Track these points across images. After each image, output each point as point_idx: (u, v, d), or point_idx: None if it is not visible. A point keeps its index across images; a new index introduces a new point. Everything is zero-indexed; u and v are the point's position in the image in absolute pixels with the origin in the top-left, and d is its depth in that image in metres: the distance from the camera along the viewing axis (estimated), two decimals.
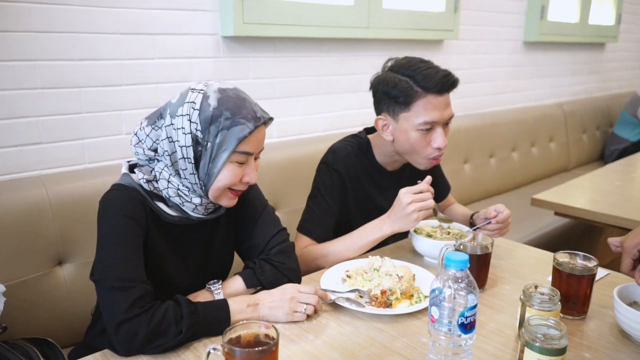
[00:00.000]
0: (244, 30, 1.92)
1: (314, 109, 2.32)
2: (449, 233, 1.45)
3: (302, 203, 1.53)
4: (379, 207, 1.48)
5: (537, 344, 0.88)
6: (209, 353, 0.83)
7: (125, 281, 0.98)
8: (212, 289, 1.14)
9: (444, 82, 1.31)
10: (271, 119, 1.12)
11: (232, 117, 1.04)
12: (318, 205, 1.46)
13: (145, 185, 1.08)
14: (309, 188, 1.52)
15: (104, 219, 1.06)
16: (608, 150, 3.87)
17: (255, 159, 1.13)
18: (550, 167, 3.53)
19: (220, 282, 1.16)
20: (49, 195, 1.45)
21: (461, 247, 1.21)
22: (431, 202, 1.29)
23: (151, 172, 1.10)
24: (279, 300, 1.08)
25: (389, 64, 1.41)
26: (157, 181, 1.09)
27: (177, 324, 0.97)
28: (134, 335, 0.94)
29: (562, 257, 1.15)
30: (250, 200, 1.26)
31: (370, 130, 1.55)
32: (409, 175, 1.56)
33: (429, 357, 0.84)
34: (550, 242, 2.44)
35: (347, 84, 2.41)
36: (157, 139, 1.09)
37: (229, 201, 1.13)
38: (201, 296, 1.14)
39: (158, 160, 1.10)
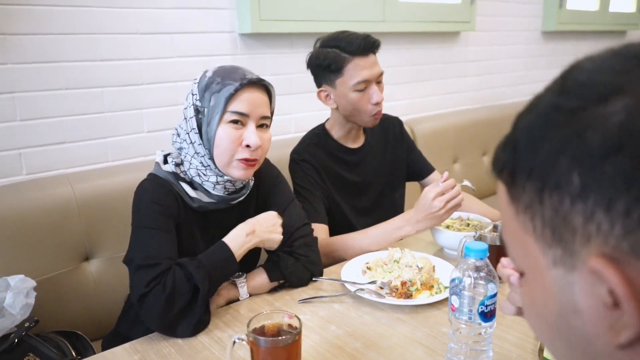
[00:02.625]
0: (261, 27, 1.94)
1: None
2: (468, 224, 1.46)
3: None
4: (353, 183, 1.61)
5: None
6: (234, 342, 0.85)
7: (151, 259, 1.03)
8: (237, 282, 1.17)
9: (366, 44, 1.44)
10: (261, 80, 1.13)
11: (222, 81, 1.10)
12: (305, 197, 1.50)
13: (174, 169, 1.15)
14: None
15: (137, 207, 1.13)
16: None
17: (262, 126, 1.14)
18: None
19: (245, 275, 1.19)
20: (75, 193, 1.49)
21: (481, 238, 1.21)
22: (461, 196, 1.32)
23: (179, 156, 1.17)
24: (272, 225, 1.18)
25: (318, 43, 1.51)
26: (182, 164, 1.16)
27: (190, 283, 1.02)
28: (155, 305, 0.99)
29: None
30: (279, 191, 1.30)
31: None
32: (373, 150, 1.65)
33: (449, 345, 0.85)
34: None
35: None
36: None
37: (238, 172, 1.13)
38: (225, 289, 1.16)
39: (186, 147, 1.17)
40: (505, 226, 0.45)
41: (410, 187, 1.84)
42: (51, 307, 1.42)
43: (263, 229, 1.16)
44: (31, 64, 1.54)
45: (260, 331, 0.85)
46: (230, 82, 1.09)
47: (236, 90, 1.09)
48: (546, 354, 0.90)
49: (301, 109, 2.22)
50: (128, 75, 1.72)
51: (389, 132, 1.70)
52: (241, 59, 1.98)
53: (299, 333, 0.83)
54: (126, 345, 1.01)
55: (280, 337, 0.82)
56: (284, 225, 1.25)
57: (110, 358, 0.97)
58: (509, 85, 3.23)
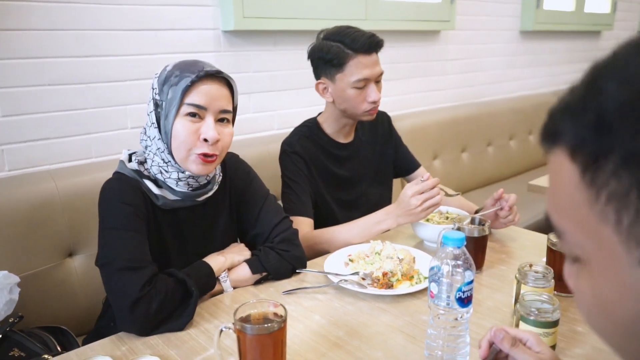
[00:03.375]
0: (245, 24, 1.96)
1: (314, 101, 2.35)
2: (447, 218, 1.50)
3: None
4: (342, 178, 1.63)
5: (532, 318, 0.93)
6: (221, 331, 0.88)
7: (136, 262, 1.03)
8: (219, 277, 1.19)
9: (370, 43, 1.46)
10: (219, 72, 1.11)
11: (180, 74, 1.09)
12: (292, 189, 1.53)
13: (137, 167, 1.14)
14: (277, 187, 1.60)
15: (105, 206, 1.11)
16: None
17: (222, 120, 1.12)
18: None
19: (227, 271, 1.21)
20: (58, 189, 1.50)
21: (459, 230, 1.25)
22: (439, 197, 1.34)
23: (142, 154, 1.17)
24: (237, 248, 1.26)
25: (322, 34, 1.52)
26: (145, 162, 1.16)
27: (182, 288, 1.06)
28: (149, 311, 1.00)
29: (556, 237, 1.19)
30: (254, 190, 1.31)
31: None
32: (363, 145, 1.68)
33: (429, 332, 0.88)
34: (546, 227, 2.48)
35: None
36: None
37: (197, 167, 1.11)
38: None
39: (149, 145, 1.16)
40: (564, 209, 0.39)
41: (396, 181, 1.87)
42: (35, 303, 1.43)
43: (233, 251, 1.25)
44: (14, 59, 1.53)
45: (246, 320, 0.87)
46: (188, 74, 1.07)
47: (192, 82, 1.06)
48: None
49: (284, 106, 2.24)
50: (112, 71, 1.72)
51: (379, 127, 1.73)
52: (225, 56, 2.00)
53: (285, 321, 0.86)
54: (113, 337, 1.02)
55: (266, 325, 0.85)
56: (263, 224, 1.29)
57: (98, 350, 0.99)
58: (489, 83, 3.30)
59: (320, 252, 1.41)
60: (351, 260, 1.29)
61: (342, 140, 1.64)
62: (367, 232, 1.40)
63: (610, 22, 4.20)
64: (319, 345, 0.99)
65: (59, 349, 1.28)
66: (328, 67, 1.49)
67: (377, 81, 1.52)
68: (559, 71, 3.91)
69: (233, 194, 1.29)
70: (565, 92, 0.39)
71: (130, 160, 1.17)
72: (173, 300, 1.05)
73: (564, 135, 0.37)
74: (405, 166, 1.78)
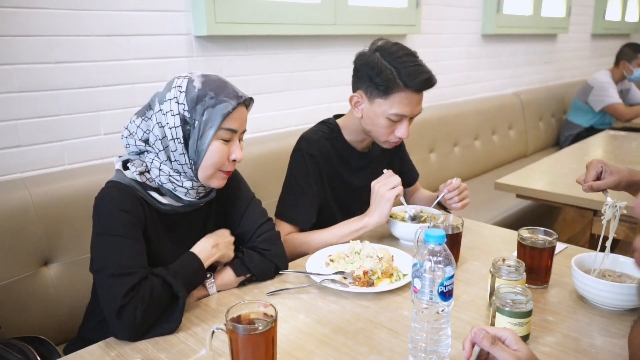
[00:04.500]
0: (217, 29, 1.97)
1: (286, 105, 2.39)
2: (421, 217, 1.55)
3: (276, 196, 1.60)
4: (352, 186, 1.60)
5: (507, 309, 0.99)
6: (213, 332, 0.90)
7: (124, 268, 1.04)
8: (206, 283, 1.21)
9: (425, 84, 1.41)
10: (251, 99, 1.20)
11: (216, 97, 1.12)
12: (295, 192, 1.52)
13: (139, 178, 1.14)
14: (279, 181, 1.60)
15: (100, 214, 1.11)
16: (563, 136, 4.08)
17: (240, 140, 1.21)
18: (510, 153, 3.70)
19: (212, 275, 1.22)
20: (32, 197, 1.47)
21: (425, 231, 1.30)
22: (398, 179, 1.42)
23: (142, 164, 1.16)
24: (229, 242, 1.26)
25: (378, 47, 1.45)
26: (148, 172, 1.15)
27: (167, 292, 1.06)
28: (134, 317, 1.00)
29: (525, 232, 1.27)
30: (240, 191, 1.34)
31: (338, 116, 1.65)
32: (379, 155, 1.67)
33: (412, 325, 0.93)
34: (513, 223, 2.59)
35: (317, 80, 2.49)
36: (148, 129, 1.16)
37: (219, 181, 1.20)
38: (195, 289, 1.19)
39: (148, 152, 1.16)
40: None
41: None
42: (12, 313, 1.40)
43: (224, 244, 1.24)
44: None
45: (237, 320, 0.89)
46: (226, 99, 1.12)
47: (233, 109, 1.12)
48: (497, 322, 1.00)
49: (256, 110, 2.26)
50: (84, 77, 1.71)
51: None
52: (197, 61, 2.00)
53: (275, 320, 0.88)
54: (101, 343, 1.03)
55: (257, 325, 0.87)
56: (247, 224, 1.31)
57: (87, 357, 0.99)
58: (454, 85, 3.40)
59: (300, 254, 1.44)
60: (332, 260, 1.33)
61: (359, 148, 1.62)
62: (346, 233, 1.44)
63: (565, 26, 4.39)
64: (307, 343, 1.02)
65: (38, 359, 1.26)
66: (372, 87, 1.43)
67: (411, 118, 1.48)
68: (519, 73, 4.06)
69: (222, 195, 1.32)
70: None
71: (125, 168, 1.17)
72: (160, 304, 1.05)
73: None
74: (408, 178, 1.78)
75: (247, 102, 1.19)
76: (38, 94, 1.61)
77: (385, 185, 1.41)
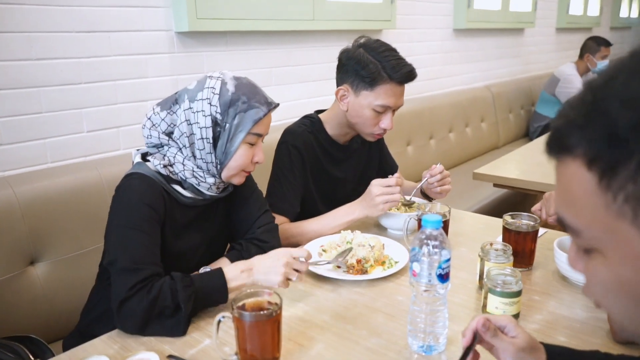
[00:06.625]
0: (198, 25, 1.97)
1: None
2: (411, 205, 1.60)
3: (261, 188, 1.61)
4: (333, 178, 1.65)
5: (498, 289, 1.04)
6: (219, 321, 0.92)
7: (136, 263, 1.04)
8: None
9: (408, 76, 1.49)
10: (277, 104, 1.23)
11: (248, 102, 1.15)
12: (281, 184, 1.56)
13: (163, 171, 1.15)
14: (267, 173, 1.62)
15: (122, 205, 1.11)
16: (532, 128, 4.21)
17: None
18: (483, 145, 3.80)
19: (209, 268, 1.23)
20: (17, 196, 1.46)
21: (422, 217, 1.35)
22: (397, 196, 1.44)
23: (164, 157, 1.17)
24: (273, 266, 1.09)
25: (361, 44, 1.51)
26: (172, 165, 1.17)
27: (173, 298, 1.01)
28: (133, 313, 1.00)
29: (510, 218, 1.32)
30: (246, 180, 1.35)
31: (320, 112, 1.70)
32: (359, 148, 1.72)
33: (412, 308, 0.96)
34: (491, 211, 2.67)
35: (296, 75, 2.51)
36: (173, 123, 1.17)
37: (239, 179, 1.24)
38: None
39: (169, 146, 1.17)
40: (580, 211, 0.45)
41: None
42: (0, 314, 1.38)
43: (261, 269, 1.10)
44: None
45: (243, 308, 0.92)
46: (257, 105, 1.16)
47: (264, 115, 1.16)
48: (489, 309, 1.05)
49: None
50: (65, 74, 1.69)
51: None
52: (178, 57, 2.00)
53: (280, 307, 0.91)
54: (103, 337, 1.03)
55: (263, 312, 0.90)
56: (248, 213, 1.32)
57: (90, 350, 0.99)
58: (428, 79, 3.46)
59: (293, 245, 1.46)
60: (324, 251, 1.36)
61: (341, 141, 1.66)
62: (337, 223, 1.47)
63: (532, 20, 4.53)
64: (308, 329, 1.05)
65: (31, 357, 1.26)
66: (358, 80, 1.48)
67: (394, 110, 1.55)
68: (489, 66, 4.17)
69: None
70: (564, 110, 0.45)
71: (144, 160, 1.18)
72: (163, 306, 1.01)
73: (577, 148, 0.43)
74: (387, 168, 1.83)
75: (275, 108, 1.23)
76: (19, 91, 1.59)
77: (383, 197, 1.42)
